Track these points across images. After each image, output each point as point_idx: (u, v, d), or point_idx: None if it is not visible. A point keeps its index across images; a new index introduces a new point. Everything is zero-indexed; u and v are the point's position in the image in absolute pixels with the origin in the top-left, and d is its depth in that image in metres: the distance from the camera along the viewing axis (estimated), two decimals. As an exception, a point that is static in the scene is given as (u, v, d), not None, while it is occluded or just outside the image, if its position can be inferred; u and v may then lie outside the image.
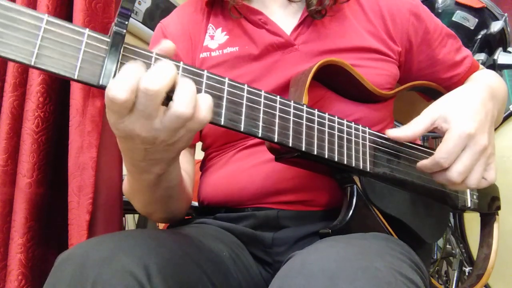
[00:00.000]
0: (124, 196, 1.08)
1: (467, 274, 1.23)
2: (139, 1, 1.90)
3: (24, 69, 0.87)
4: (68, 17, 0.87)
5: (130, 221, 1.98)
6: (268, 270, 0.75)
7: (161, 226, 1.95)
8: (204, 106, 0.49)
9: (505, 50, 1.50)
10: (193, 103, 0.48)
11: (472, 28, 1.45)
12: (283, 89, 0.76)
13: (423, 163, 0.69)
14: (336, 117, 0.67)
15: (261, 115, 0.57)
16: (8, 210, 0.86)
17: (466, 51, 0.93)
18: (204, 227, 0.76)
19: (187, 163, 0.84)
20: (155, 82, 0.45)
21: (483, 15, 1.45)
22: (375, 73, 0.79)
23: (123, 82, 0.45)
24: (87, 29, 0.46)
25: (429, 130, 0.69)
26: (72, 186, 0.84)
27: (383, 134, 0.73)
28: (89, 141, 0.85)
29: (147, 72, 0.46)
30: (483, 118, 0.69)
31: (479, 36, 1.46)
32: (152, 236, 0.58)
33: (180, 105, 0.47)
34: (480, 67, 0.94)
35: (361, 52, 0.80)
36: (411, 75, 0.89)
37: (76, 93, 0.84)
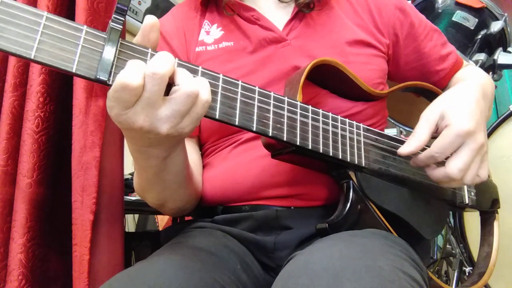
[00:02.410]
0: (125, 196, 1.08)
1: (467, 274, 1.22)
2: (139, 1, 1.92)
3: (24, 69, 0.88)
4: (68, 18, 0.87)
5: (130, 221, 1.98)
6: (272, 275, 0.75)
7: (161, 226, 1.96)
8: (205, 87, 0.52)
9: (505, 50, 1.50)
10: (197, 82, 0.51)
11: (472, 28, 1.45)
12: (277, 82, 0.78)
13: (418, 156, 0.70)
14: (331, 113, 0.67)
15: (256, 110, 0.58)
16: (9, 210, 0.86)
17: (450, 47, 0.95)
18: (211, 233, 0.76)
19: (193, 153, 0.84)
20: (161, 66, 0.48)
21: (483, 15, 1.45)
22: (366, 68, 0.81)
23: (134, 69, 0.47)
24: (85, 26, 0.48)
25: (434, 131, 0.70)
26: (76, 186, 0.84)
27: (378, 130, 0.74)
28: (92, 140, 0.85)
29: (151, 60, 0.49)
30: (478, 116, 0.70)
31: (479, 36, 1.46)
32: (171, 270, 0.57)
33: (187, 85, 0.50)
34: (464, 63, 0.96)
35: (352, 46, 0.82)
36: (399, 68, 0.91)
37: (79, 93, 0.85)
